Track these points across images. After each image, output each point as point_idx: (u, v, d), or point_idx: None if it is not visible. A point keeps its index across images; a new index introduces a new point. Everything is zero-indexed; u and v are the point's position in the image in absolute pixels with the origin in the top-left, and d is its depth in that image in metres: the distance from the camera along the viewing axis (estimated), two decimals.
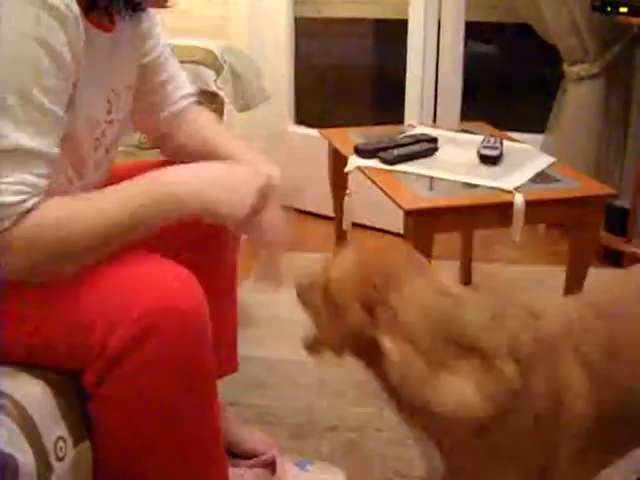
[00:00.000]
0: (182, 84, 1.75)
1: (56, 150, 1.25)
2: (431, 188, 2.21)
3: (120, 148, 1.68)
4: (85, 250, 1.26)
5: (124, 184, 1.31)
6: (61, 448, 1.20)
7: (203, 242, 1.74)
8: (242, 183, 1.37)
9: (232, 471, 1.90)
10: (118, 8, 1.42)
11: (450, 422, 1.21)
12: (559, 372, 1.28)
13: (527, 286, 2.96)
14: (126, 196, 1.29)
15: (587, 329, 1.35)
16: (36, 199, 1.20)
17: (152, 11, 1.61)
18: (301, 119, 3.74)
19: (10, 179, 1.17)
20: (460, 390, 1.19)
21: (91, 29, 1.34)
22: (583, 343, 1.33)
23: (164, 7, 1.49)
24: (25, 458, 1.10)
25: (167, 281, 1.29)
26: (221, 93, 2.40)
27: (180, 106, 1.73)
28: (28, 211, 1.19)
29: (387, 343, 1.18)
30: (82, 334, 1.25)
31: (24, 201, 1.18)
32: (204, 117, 1.79)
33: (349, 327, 1.23)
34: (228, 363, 1.94)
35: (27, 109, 1.18)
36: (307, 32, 3.98)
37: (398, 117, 3.36)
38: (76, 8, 1.23)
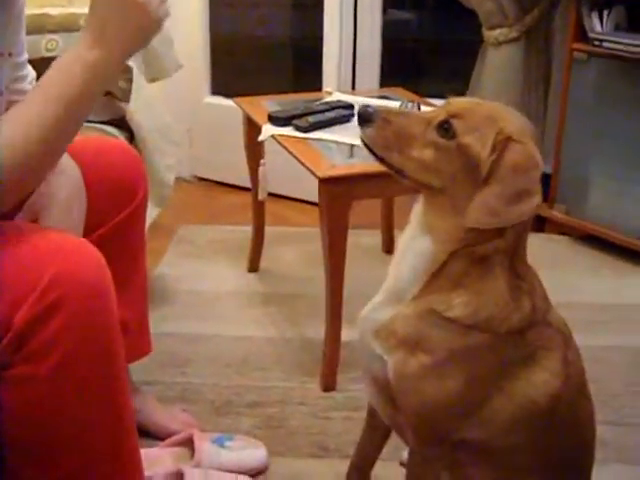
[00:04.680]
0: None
1: None
2: (351, 155, 2.16)
3: None
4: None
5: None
6: None
7: (107, 222, 1.70)
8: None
9: (151, 452, 1.86)
10: None
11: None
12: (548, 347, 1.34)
13: None
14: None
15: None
16: None
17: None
18: (218, 90, 3.67)
19: None
20: None
21: None
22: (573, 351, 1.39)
23: None
24: None
25: (68, 253, 1.25)
26: (130, 63, 2.31)
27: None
28: None
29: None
30: None
31: None
32: None
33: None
34: (138, 346, 1.88)
35: None
36: (222, 1, 3.90)
37: (318, 86, 3.30)
38: None
